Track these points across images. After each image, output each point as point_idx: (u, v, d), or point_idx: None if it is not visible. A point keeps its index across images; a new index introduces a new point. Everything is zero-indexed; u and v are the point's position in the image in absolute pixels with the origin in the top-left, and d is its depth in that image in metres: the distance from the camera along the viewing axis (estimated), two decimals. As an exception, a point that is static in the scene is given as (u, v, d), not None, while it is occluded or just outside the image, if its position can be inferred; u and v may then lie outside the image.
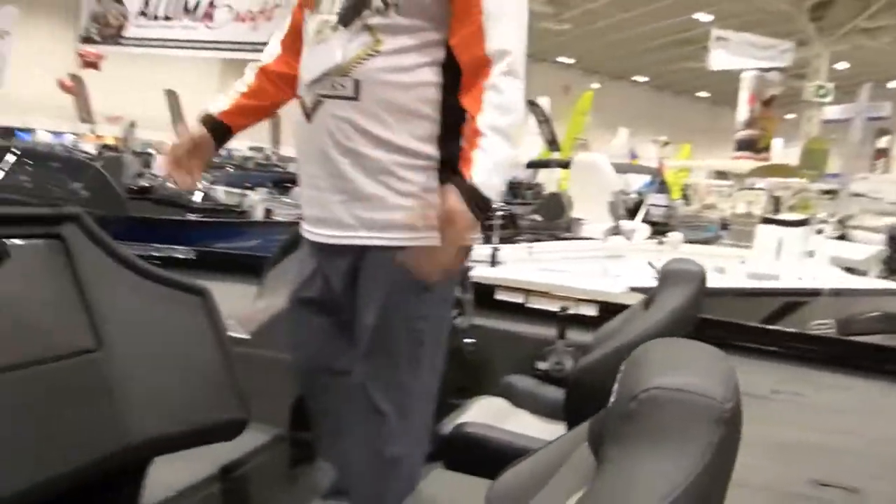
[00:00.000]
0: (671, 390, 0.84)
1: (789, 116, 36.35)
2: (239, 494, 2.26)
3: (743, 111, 24.72)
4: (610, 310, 3.00)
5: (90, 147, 23.15)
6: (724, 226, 13.79)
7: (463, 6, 1.79)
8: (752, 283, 6.71)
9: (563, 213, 9.01)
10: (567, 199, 9.09)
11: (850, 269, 8.52)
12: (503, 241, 5.20)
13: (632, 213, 10.21)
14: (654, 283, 2.57)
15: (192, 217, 9.80)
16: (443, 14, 1.82)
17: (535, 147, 19.32)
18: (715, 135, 46.02)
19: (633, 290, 4.44)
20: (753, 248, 7.84)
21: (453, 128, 1.85)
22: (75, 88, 25.00)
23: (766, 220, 8.10)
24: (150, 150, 19.91)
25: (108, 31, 20.40)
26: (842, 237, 11.17)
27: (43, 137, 24.43)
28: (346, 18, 1.82)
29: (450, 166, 1.84)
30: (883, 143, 35.29)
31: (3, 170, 8.36)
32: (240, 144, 32.20)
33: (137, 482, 1.74)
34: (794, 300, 6.79)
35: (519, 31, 1.84)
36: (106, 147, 22.19)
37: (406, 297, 1.86)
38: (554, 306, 3.14)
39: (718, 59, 24.03)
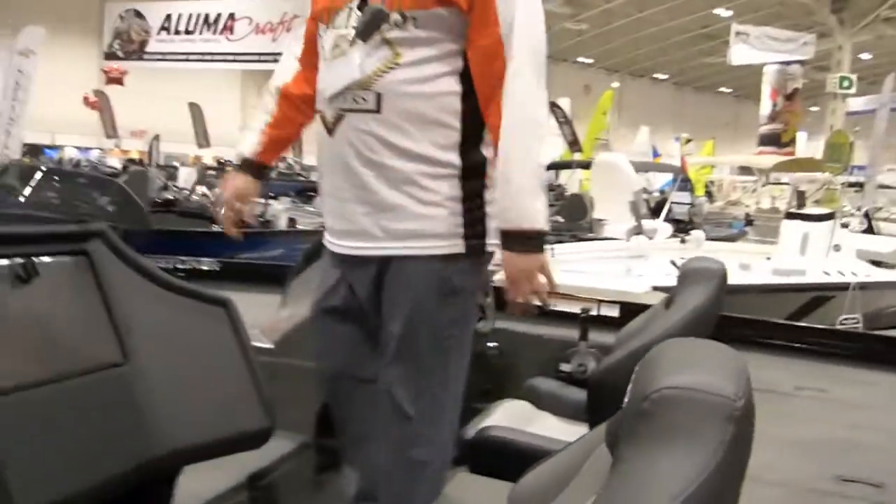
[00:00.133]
0: (683, 389, 0.85)
1: (813, 109, 36.04)
2: (267, 502, 2.29)
3: (766, 105, 24.54)
4: (632, 310, 3.00)
5: (115, 161, 23.44)
6: (749, 222, 13.68)
7: (480, 18, 1.82)
8: (778, 279, 6.68)
9: (586, 215, 9.00)
10: (589, 199, 9.08)
11: (877, 263, 8.43)
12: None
13: (655, 211, 10.18)
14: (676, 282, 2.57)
15: (216, 228, 9.87)
16: (460, 25, 1.84)
17: (556, 148, 19.28)
18: (739, 130, 45.76)
19: (656, 289, 4.45)
20: (778, 244, 7.78)
21: (473, 135, 1.88)
22: (100, 104, 25.27)
23: (791, 216, 8.05)
24: (174, 164, 20.09)
25: (130, 47, 20.71)
26: (868, 230, 11.04)
27: (70, 154, 24.71)
28: (365, 33, 1.83)
29: (471, 173, 1.87)
30: (909, 133, 34.88)
31: (31, 187, 8.48)
32: (263, 154, 32.45)
33: (167, 492, 1.77)
34: (820, 295, 6.75)
35: (537, 38, 1.86)
36: (131, 161, 22.45)
37: (432, 303, 1.87)
38: (576, 308, 3.14)
39: (739, 53, 23.88)
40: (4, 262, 1.50)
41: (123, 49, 20.90)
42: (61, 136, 28.06)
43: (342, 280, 1.98)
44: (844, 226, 9.01)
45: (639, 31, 34.97)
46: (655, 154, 24.85)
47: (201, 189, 11.86)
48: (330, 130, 1.89)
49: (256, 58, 19.94)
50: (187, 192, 12.05)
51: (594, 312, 3.15)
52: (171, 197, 12.55)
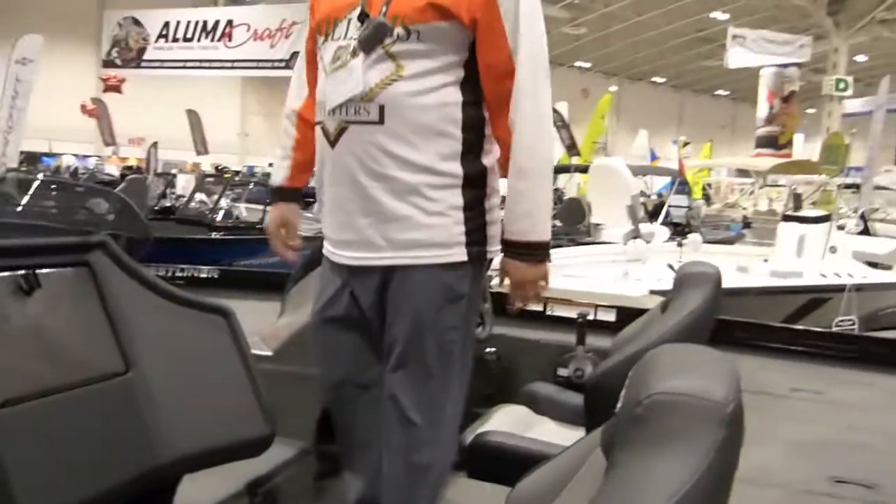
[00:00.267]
0: (674, 394, 0.87)
1: (810, 111, 36.11)
2: None
3: (763, 108, 24.60)
4: (628, 314, 3.02)
5: (113, 169, 23.45)
6: (747, 224, 13.72)
7: (488, 35, 1.85)
8: (775, 282, 6.71)
9: (583, 219, 9.02)
10: (586, 204, 9.10)
11: (873, 264, 8.46)
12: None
13: (653, 215, 10.20)
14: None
15: (215, 235, 9.90)
16: (461, 37, 1.87)
17: (554, 152, 19.26)
18: (736, 132, 45.85)
19: (653, 292, 4.47)
20: (775, 246, 7.81)
21: (474, 144, 1.92)
22: (97, 112, 25.27)
23: (788, 218, 8.07)
24: (172, 171, 20.09)
25: (129, 55, 20.71)
26: (865, 231, 11.07)
27: (67, 161, 24.72)
28: (368, 46, 1.85)
29: (472, 182, 1.91)
30: (906, 134, 34.92)
31: (30, 196, 8.50)
32: (261, 161, 32.51)
33: (168, 499, 1.79)
34: (817, 297, 6.78)
35: (542, 51, 1.91)
36: (129, 169, 22.44)
37: (436, 310, 1.91)
38: (573, 313, 3.16)
39: (736, 56, 23.93)
40: (7, 273, 1.52)
41: (121, 57, 20.90)
42: (59, 144, 28.06)
43: (344, 289, 2.00)
44: (841, 227, 9.05)
45: (637, 35, 35.04)
46: (653, 157, 24.87)
47: (200, 196, 11.86)
48: (332, 142, 1.91)
49: (255, 64, 19.94)
50: (185, 200, 12.06)
51: (591, 317, 3.16)
52: (169, 204, 12.59)
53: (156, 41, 20.41)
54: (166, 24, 20.25)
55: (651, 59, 39.72)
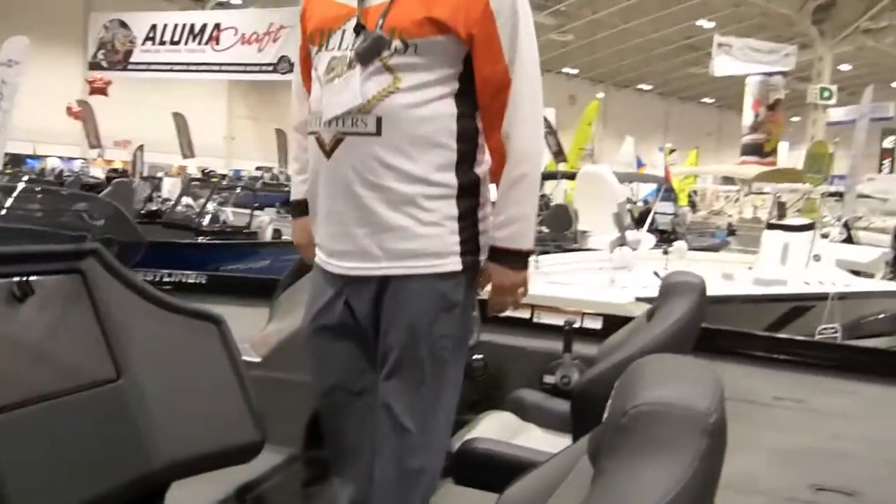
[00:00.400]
0: (659, 405, 0.90)
1: (794, 119, 36.34)
2: None
3: (748, 116, 24.72)
4: (614, 322, 3.04)
5: (99, 172, 23.35)
6: (732, 231, 13.79)
7: (485, 50, 1.88)
8: (759, 290, 6.75)
9: (570, 225, 9.05)
10: (573, 210, 9.13)
11: (856, 272, 8.53)
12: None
13: (639, 221, 10.24)
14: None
15: (202, 240, 9.88)
16: (458, 51, 1.89)
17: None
18: (722, 139, 46.10)
19: (639, 299, 4.49)
20: (760, 254, 7.86)
21: (468, 155, 1.94)
22: (83, 114, 25.18)
23: (772, 226, 8.13)
24: (158, 174, 20.02)
25: (115, 57, 20.58)
26: (848, 239, 11.16)
27: (52, 164, 24.59)
28: (366, 58, 1.87)
29: (466, 192, 1.93)
30: (888, 142, 35.26)
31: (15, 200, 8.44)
32: (247, 164, 32.46)
33: (158, 505, 1.80)
34: (800, 305, 6.84)
35: (535, 66, 1.95)
36: (114, 171, 22.35)
37: (431, 319, 1.93)
38: (560, 320, 3.18)
39: (722, 65, 24.06)
40: (1, 280, 1.53)
41: (108, 59, 20.77)
42: (43, 146, 27.94)
43: (338, 298, 2.01)
44: (824, 236, 9.12)
45: (624, 42, 35.19)
46: (640, 164, 24.97)
47: (186, 200, 11.84)
48: (328, 153, 1.92)
49: (242, 68, 19.88)
50: (172, 203, 12.04)
51: (578, 325, 3.19)
52: (155, 208, 12.55)
53: (142, 44, 20.30)
54: (153, 27, 20.16)
55: (638, 67, 39.90)
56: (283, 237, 10.24)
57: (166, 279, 3.85)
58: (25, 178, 12.46)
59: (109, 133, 26.65)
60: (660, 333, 2.30)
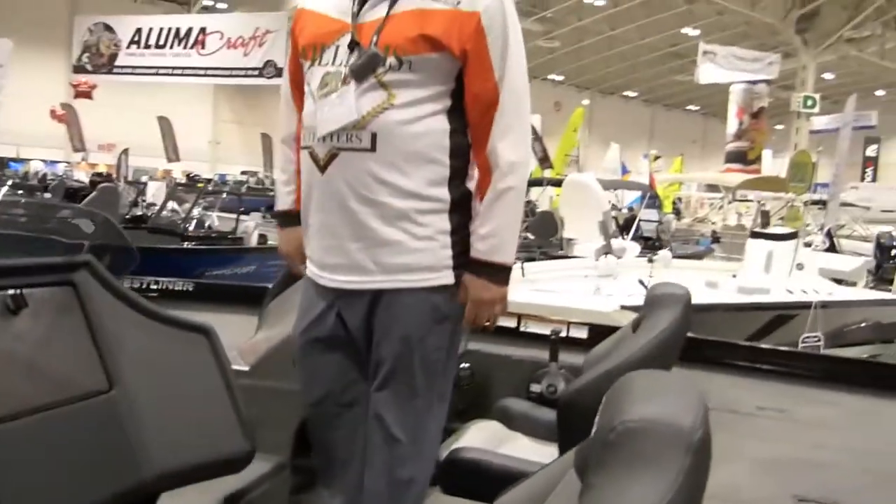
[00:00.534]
0: (645, 421, 0.92)
1: (778, 127, 36.59)
2: None
3: (732, 123, 24.85)
4: (600, 332, 3.06)
5: (83, 175, 23.23)
6: (716, 239, 13.89)
7: (476, 67, 1.90)
8: (743, 298, 6.80)
9: (556, 232, 9.10)
10: (559, 217, 9.19)
11: (839, 281, 8.60)
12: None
13: (624, 228, 10.30)
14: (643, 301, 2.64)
15: (188, 245, 9.86)
16: (451, 67, 1.92)
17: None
18: (706, 147, 46.35)
19: (624, 308, 4.53)
20: (744, 263, 7.91)
21: (460, 170, 1.97)
22: (67, 117, 25.07)
23: (756, 235, 8.18)
24: (143, 179, 19.95)
25: (100, 60, 20.51)
26: (831, 248, 11.24)
27: (36, 167, 24.46)
28: (360, 75, 1.89)
29: (458, 207, 1.96)
30: (871, 151, 35.57)
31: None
32: (232, 168, 32.38)
33: (146, 515, 1.81)
34: (784, 313, 6.88)
35: (524, 83, 1.98)
36: (99, 175, 22.26)
37: (423, 331, 1.95)
38: (546, 329, 3.20)
39: (707, 72, 24.19)
40: None
41: (92, 62, 20.70)
42: (27, 150, 27.80)
43: (330, 310, 2.03)
44: (808, 244, 9.18)
45: (609, 49, 35.36)
46: (625, 171, 25.06)
47: (171, 205, 11.81)
48: (322, 168, 1.94)
49: (228, 72, 19.88)
50: (158, 209, 11.99)
51: (564, 334, 3.21)
52: (140, 213, 12.51)
53: (127, 47, 20.24)
54: (138, 31, 20.11)
55: (623, 74, 40.08)
56: (269, 242, 10.22)
57: (153, 286, 3.84)
58: (10, 182, 12.38)
59: (94, 136, 26.57)
60: (645, 344, 2.32)
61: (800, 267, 7.55)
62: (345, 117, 1.88)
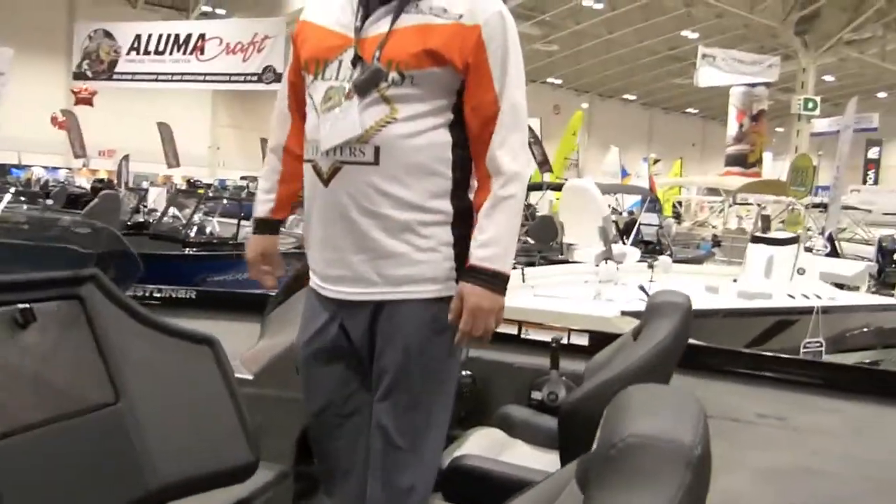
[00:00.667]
0: (645, 437, 0.94)
1: (779, 130, 36.64)
2: None
3: (732, 126, 24.87)
4: (601, 339, 3.07)
5: (84, 181, 23.27)
6: (717, 243, 13.87)
7: (476, 80, 1.92)
8: (744, 303, 6.78)
9: (556, 236, 9.10)
10: (559, 222, 9.18)
11: (840, 285, 8.58)
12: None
13: (624, 232, 10.30)
14: (644, 307, 2.64)
15: (189, 251, 9.87)
16: (453, 81, 1.94)
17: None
18: (706, 150, 46.38)
19: (625, 313, 4.53)
20: (744, 267, 7.89)
21: (462, 182, 1.99)
22: (68, 124, 25.12)
23: (756, 239, 8.16)
24: (144, 185, 19.98)
25: (100, 67, 20.55)
26: (832, 252, 11.22)
27: (37, 173, 24.51)
28: (363, 89, 1.91)
29: (460, 219, 1.97)
30: (873, 153, 35.59)
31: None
32: (232, 174, 32.42)
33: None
34: (785, 318, 6.86)
35: (523, 90, 2.00)
36: (99, 181, 22.29)
37: (425, 341, 1.97)
38: (547, 337, 3.20)
39: (706, 75, 24.21)
40: (3, 308, 1.56)
41: (92, 69, 20.74)
42: (28, 156, 27.86)
43: (332, 322, 2.05)
44: (808, 249, 9.17)
45: (608, 52, 35.38)
46: (624, 174, 25.09)
47: (172, 211, 11.83)
48: (325, 181, 1.96)
49: (227, 78, 19.94)
50: (159, 215, 12.01)
51: (565, 341, 3.21)
52: (142, 220, 12.52)
53: (127, 53, 20.30)
54: (137, 37, 20.16)
55: (622, 77, 40.11)
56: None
57: (156, 294, 3.85)
58: (12, 189, 12.39)
59: (94, 142, 26.62)
60: (645, 354, 2.33)
61: (801, 272, 7.54)
62: (348, 132, 1.91)
